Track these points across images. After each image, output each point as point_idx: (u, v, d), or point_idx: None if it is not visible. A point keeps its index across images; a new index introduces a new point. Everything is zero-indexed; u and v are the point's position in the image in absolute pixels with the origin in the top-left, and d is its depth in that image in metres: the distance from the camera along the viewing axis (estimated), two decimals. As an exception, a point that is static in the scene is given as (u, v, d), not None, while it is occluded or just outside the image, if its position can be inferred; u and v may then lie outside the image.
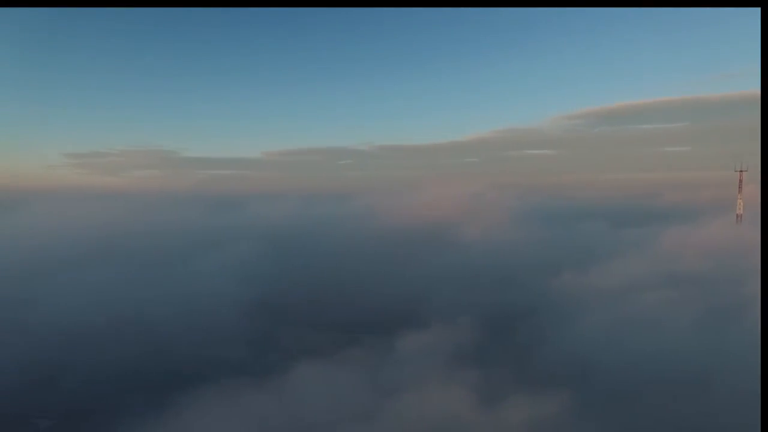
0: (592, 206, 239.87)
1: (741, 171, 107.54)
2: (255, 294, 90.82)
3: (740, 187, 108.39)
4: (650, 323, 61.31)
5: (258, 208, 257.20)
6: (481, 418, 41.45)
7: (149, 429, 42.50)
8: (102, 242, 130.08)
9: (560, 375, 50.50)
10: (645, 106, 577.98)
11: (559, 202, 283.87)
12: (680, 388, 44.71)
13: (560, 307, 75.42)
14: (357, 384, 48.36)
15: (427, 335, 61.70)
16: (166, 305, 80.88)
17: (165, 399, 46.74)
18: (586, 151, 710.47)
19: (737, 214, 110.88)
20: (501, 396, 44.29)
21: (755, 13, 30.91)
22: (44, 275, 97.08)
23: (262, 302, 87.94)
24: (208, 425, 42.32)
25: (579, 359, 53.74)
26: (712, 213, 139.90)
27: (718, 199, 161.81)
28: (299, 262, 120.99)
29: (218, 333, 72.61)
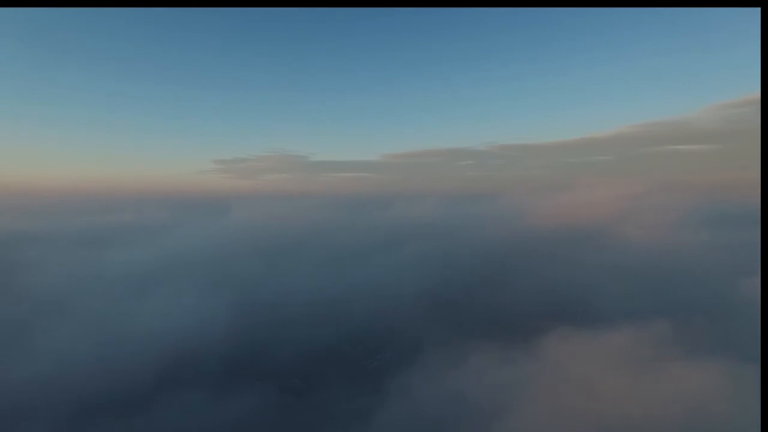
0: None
1: None
2: (431, 286, 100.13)
3: None
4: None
5: (402, 209, 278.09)
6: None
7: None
8: (291, 239, 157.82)
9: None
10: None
11: (722, 203, 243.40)
12: None
13: (744, 312, 67.55)
14: (549, 376, 49.80)
15: (613, 333, 60.15)
16: (362, 291, 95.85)
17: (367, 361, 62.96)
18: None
19: None
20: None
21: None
22: (256, 265, 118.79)
23: (438, 294, 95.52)
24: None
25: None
26: None
27: None
28: (465, 260, 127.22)
29: (408, 317, 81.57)
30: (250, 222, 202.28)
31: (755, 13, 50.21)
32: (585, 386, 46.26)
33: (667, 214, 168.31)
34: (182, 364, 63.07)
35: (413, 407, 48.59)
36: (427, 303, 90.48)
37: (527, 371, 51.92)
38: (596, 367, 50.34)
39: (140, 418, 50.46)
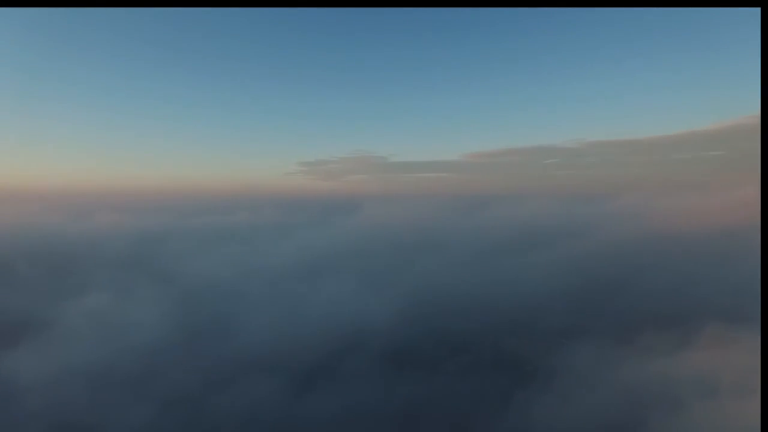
0: None
1: None
2: (576, 284, 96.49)
3: None
4: None
5: (500, 209, 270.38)
6: None
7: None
8: (417, 238, 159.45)
9: None
10: None
11: None
12: None
13: None
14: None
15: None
16: (504, 289, 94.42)
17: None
18: None
19: None
20: None
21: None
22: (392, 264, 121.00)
23: (586, 292, 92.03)
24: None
25: None
26: None
27: None
28: (602, 260, 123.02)
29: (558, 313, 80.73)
30: (375, 221, 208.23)
31: (757, 13, 49.42)
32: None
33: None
34: (348, 354, 64.65)
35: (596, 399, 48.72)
36: (576, 300, 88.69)
37: (701, 366, 51.12)
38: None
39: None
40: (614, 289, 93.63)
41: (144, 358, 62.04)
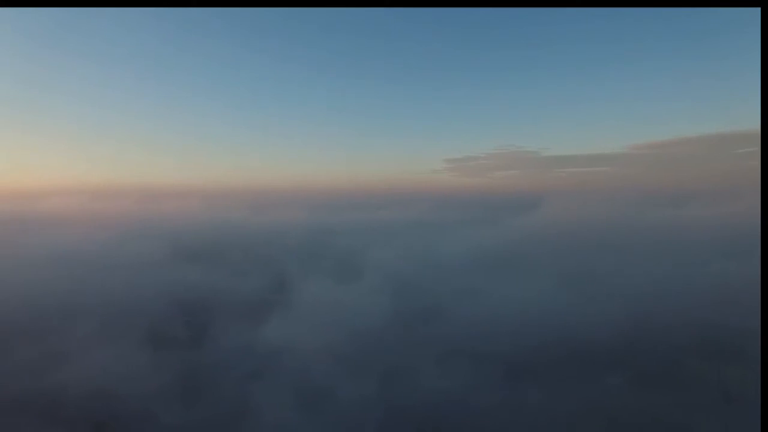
0: None
1: None
2: None
3: None
4: None
5: (686, 206, 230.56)
6: None
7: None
8: (604, 235, 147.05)
9: None
10: None
11: None
12: None
13: None
14: None
15: None
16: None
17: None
18: None
19: None
20: None
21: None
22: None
23: None
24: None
25: None
26: None
27: None
28: None
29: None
30: (547, 218, 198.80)
31: (755, 12, 30.45)
32: None
33: None
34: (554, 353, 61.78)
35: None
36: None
37: None
38: None
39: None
40: None
41: (365, 338, 67.84)
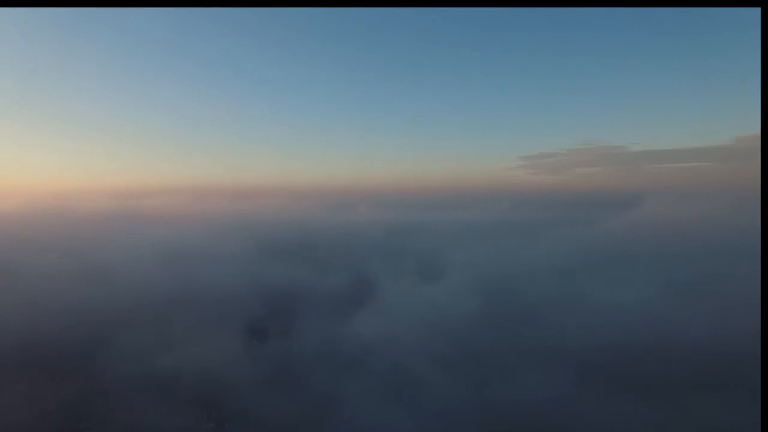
0: None
1: None
2: None
3: None
4: None
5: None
6: None
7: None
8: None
9: None
10: None
11: None
12: None
13: None
14: None
15: None
16: None
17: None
18: None
19: None
20: None
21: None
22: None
23: None
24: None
25: None
26: None
27: None
28: None
29: None
30: (659, 217, 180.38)
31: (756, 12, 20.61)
32: None
33: None
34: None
35: None
36: None
37: None
38: None
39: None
40: None
41: (458, 337, 66.68)
